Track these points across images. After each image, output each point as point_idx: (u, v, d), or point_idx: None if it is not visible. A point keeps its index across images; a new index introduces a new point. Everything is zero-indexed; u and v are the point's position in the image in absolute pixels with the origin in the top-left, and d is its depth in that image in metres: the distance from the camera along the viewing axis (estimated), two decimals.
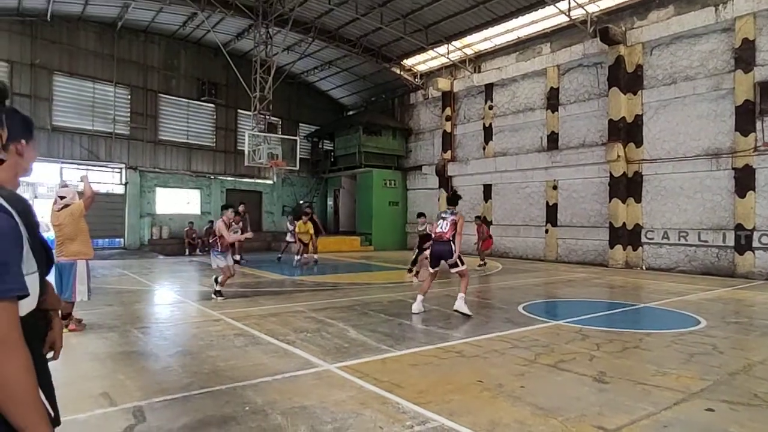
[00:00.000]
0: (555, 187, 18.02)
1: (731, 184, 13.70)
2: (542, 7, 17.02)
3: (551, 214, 18.05)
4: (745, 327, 7.09)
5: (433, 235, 8.03)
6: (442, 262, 7.84)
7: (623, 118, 15.75)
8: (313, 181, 27.54)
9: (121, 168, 21.45)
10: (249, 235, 10.63)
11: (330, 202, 27.42)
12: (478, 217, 17.36)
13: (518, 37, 19.54)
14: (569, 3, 16.30)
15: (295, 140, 22.48)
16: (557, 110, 18.08)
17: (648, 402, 4.04)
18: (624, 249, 15.67)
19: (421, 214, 12.94)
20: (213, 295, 8.97)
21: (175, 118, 23.11)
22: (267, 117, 20.79)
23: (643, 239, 15.50)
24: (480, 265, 15.20)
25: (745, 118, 13.44)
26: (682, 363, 5.17)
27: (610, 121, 15.99)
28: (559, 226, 17.77)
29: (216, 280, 9.14)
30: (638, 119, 15.70)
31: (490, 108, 20.64)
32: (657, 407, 3.93)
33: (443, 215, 7.92)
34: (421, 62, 23.68)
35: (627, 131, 15.79)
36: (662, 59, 15.35)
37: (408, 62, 23.90)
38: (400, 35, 20.27)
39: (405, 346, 5.77)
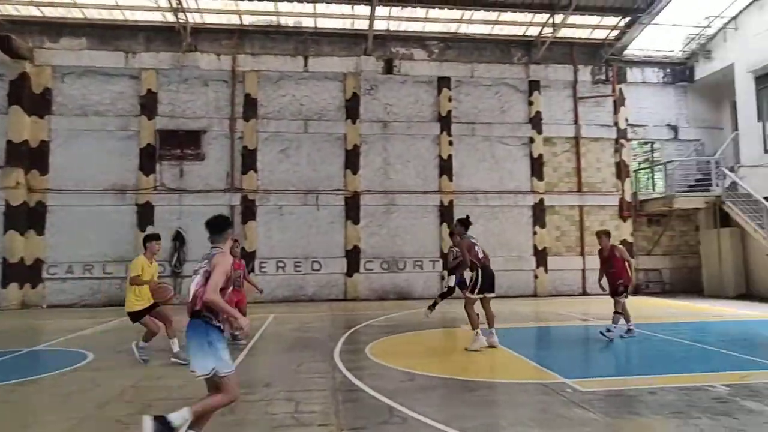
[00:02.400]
0: None
1: (135, 218, 14.69)
2: None
3: None
4: (130, 353, 7.37)
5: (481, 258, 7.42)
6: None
7: (26, 141, 14.24)
8: None
9: None
10: None
11: None
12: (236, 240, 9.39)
13: None
14: None
15: None
16: None
17: None
18: (21, 287, 13.91)
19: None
20: None
21: None
22: None
23: (45, 275, 14.26)
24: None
25: (147, 160, 14.86)
26: (57, 406, 4.77)
27: (11, 143, 14.12)
28: None
29: None
30: (44, 145, 14.57)
31: None
32: None
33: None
34: None
35: (30, 157, 14.35)
36: (75, 89, 14.99)
37: None
38: None
39: None
